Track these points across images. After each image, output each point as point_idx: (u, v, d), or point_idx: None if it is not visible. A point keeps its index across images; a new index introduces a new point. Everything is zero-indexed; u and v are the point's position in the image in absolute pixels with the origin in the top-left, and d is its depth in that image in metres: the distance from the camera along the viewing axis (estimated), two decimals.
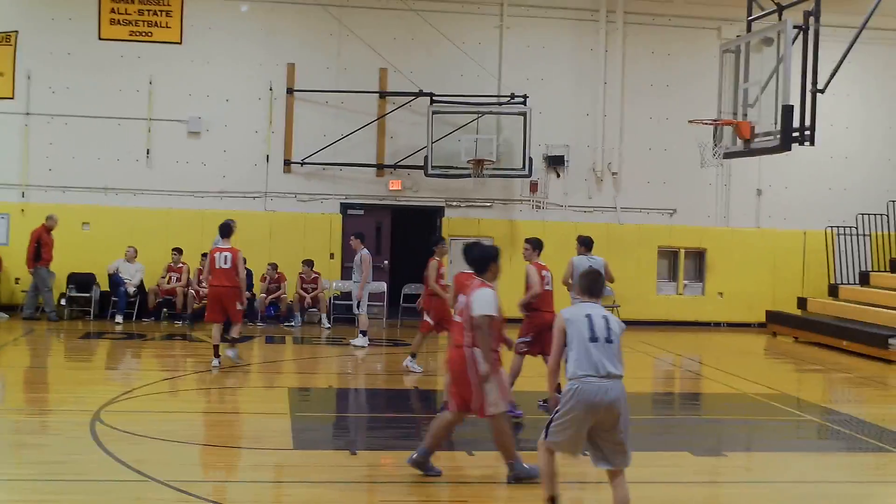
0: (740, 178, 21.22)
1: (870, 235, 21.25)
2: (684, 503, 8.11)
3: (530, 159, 19.63)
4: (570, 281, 11.93)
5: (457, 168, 19.43)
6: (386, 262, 20.37)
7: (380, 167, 20.27)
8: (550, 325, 11.27)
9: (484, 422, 8.19)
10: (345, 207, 20.31)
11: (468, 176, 19.56)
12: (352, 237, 16.64)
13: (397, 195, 20.38)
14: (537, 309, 11.13)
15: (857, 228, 21.10)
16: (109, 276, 18.74)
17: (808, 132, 15.26)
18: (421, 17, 20.05)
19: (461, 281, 9.52)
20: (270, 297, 19.06)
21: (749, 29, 17.10)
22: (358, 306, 16.16)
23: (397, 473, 8.45)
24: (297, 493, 7.94)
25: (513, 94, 20.20)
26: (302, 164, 19.93)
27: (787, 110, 15.14)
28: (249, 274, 17.78)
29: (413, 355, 13.81)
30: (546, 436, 6.90)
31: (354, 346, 16.22)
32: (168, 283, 18.84)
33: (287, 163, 20.04)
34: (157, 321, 18.66)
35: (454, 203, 20.58)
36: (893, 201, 21.28)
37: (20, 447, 9.02)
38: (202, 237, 18.70)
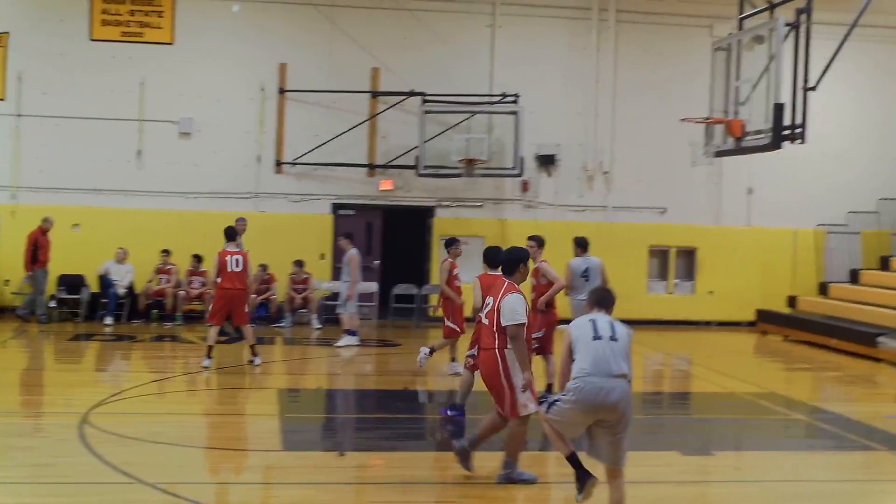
0: (731, 176, 21.17)
1: (860, 233, 21.29)
2: (673, 503, 8.13)
3: (521, 158, 19.60)
4: (568, 284, 12.02)
5: (448, 168, 19.41)
6: (377, 262, 20.36)
7: (371, 167, 20.25)
8: (555, 323, 11.50)
9: (476, 421, 8.17)
10: (336, 208, 20.29)
11: (459, 175, 19.55)
12: (340, 237, 16.64)
13: (388, 195, 20.37)
14: (550, 305, 11.48)
15: (847, 226, 21.13)
16: (100, 277, 18.70)
17: (799, 130, 15.27)
18: (413, 16, 20.04)
19: (487, 282, 9.41)
20: (260, 297, 19.04)
21: (741, 27, 17.14)
22: (344, 306, 16.13)
23: (387, 475, 8.45)
24: (286, 494, 7.94)
25: (504, 93, 20.17)
26: (293, 164, 19.91)
27: (779, 108, 15.15)
28: None
29: (453, 359, 13.33)
30: (547, 411, 6.97)
31: (339, 347, 16.10)
32: (157, 284, 18.81)
33: (278, 163, 20.01)
34: (147, 323, 18.63)
35: (445, 203, 20.57)
36: (884, 199, 21.33)
37: (8, 449, 8.98)
38: (193, 238, 18.67)
